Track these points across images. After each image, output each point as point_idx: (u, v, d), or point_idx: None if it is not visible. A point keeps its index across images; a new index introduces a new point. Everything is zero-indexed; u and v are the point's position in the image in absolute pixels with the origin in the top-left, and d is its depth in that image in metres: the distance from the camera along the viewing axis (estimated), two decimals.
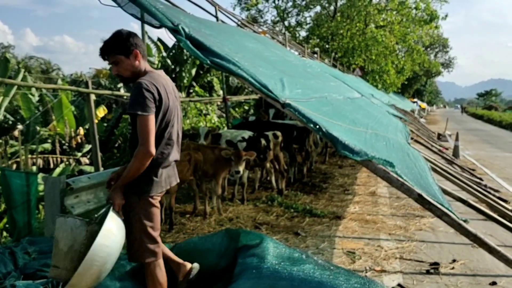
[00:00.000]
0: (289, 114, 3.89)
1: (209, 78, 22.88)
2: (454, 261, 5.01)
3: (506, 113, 50.72)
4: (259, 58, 5.57)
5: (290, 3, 30.43)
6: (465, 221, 3.88)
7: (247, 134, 7.20)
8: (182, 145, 6.71)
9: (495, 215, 5.15)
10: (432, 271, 4.71)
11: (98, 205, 4.59)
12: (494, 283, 4.45)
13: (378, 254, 5.13)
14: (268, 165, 7.61)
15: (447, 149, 14.71)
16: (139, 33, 7.74)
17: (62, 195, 4.33)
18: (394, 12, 27.27)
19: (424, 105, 54.82)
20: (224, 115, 17.39)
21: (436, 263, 4.88)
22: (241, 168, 6.08)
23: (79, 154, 17.55)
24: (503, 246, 5.35)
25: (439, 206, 3.73)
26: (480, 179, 9.72)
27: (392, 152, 4.88)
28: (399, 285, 4.27)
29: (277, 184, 7.80)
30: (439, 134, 20.61)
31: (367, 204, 7.47)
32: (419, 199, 3.68)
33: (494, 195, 7.49)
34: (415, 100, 51.34)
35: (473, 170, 11.16)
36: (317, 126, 3.83)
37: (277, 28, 30.33)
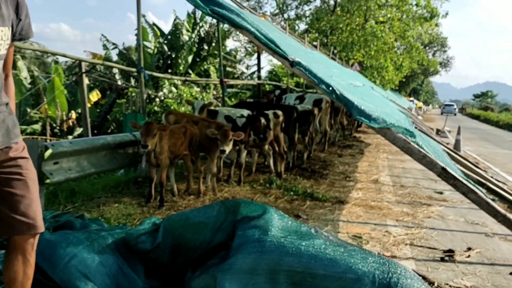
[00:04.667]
0: (298, 73, 3.46)
1: (205, 66, 22.34)
2: (469, 249, 4.60)
3: (503, 114, 50.58)
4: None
5: None
6: (493, 200, 3.48)
7: (246, 112, 6.75)
8: (180, 116, 6.30)
9: None
10: (446, 258, 4.31)
11: (81, 174, 4.14)
12: None
13: (387, 239, 4.71)
14: (266, 147, 7.17)
15: (447, 144, 14.35)
16: (135, 19, 7.32)
17: (40, 160, 3.86)
18: (395, 8, 26.84)
19: (420, 104, 54.53)
20: (219, 104, 16.89)
21: (451, 251, 4.47)
22: (227, 148, 5.55)
23: (70, 137, 17.03)
24: None
25: (464, 182, 3.32)
26: (485, 171, 9.34)
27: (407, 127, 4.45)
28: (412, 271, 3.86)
29: (275, 167, 7.36)
30: (438, 130, 20.26)
31: (370, 191, 7.05)
32: (443, 173, 3.27)
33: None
34: (412, 99, 51.01)
35: (477, 163, 10.78)
36: (330, 88, 3.40)
37: (276, 20, 29.86)
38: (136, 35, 8.21)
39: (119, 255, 3.13)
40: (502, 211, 3.25)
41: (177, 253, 3.21)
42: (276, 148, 7.20)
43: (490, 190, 4.68)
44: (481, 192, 3.34)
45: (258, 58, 21.09)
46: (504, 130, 30.81)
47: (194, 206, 5.27)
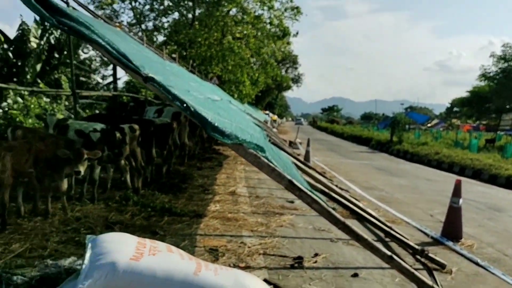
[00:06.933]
0: (153, 89, 3.44)
1: (56, 76, 20.88)
2: (316, 255, 4.99)
3: (347, 126, 55.70)
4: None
5: (147, 7, 29.44)
6: (334, 209, 3.81)
7: (99, 126, 6.46)
8: (28, 131, 5.80)
9: (356, 208, 5.25)
10: (296, 265, 4.61)
11: None
12: (356, 275, 4.49)
13: (242, 250, 4.89)
14: (123, 162, 6.95)
15: (299, 155, 15.34)
16: None
17: None
18: (250, 26, 28.04)
19: (275, 117, 57.54)
20: (72, 116, 15.90)
21: (300, 257, 4.79)
22: (83, 168, 5.33)
23: None
24: None
25: (309, 193, 3.59)
26: (331, 180, 10.18)
27: (259, 142, 4.67)
28: (265, 280, 4.04)
29: (132, 182, 7.17)
30: (290, 142, 21.57)
31: (227, 203, 7.24)
32: (290, 185, 3.50)
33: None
34: (267, 112, 53.68)
35: (324, 173, 11.70)
36: (185, 105, 3.43)
37: (133, 31, 29.15)
38: None
39: None
40: (342, 218, 3.58)
41: None
42: (133, 163, 7.03)
43: (333, 199, 5.13)
44: (323, 201, 3.64)
45: (114, 69, 20.42)
46: (347, 141, 33.90)
47: (41, 227, 4.89)
